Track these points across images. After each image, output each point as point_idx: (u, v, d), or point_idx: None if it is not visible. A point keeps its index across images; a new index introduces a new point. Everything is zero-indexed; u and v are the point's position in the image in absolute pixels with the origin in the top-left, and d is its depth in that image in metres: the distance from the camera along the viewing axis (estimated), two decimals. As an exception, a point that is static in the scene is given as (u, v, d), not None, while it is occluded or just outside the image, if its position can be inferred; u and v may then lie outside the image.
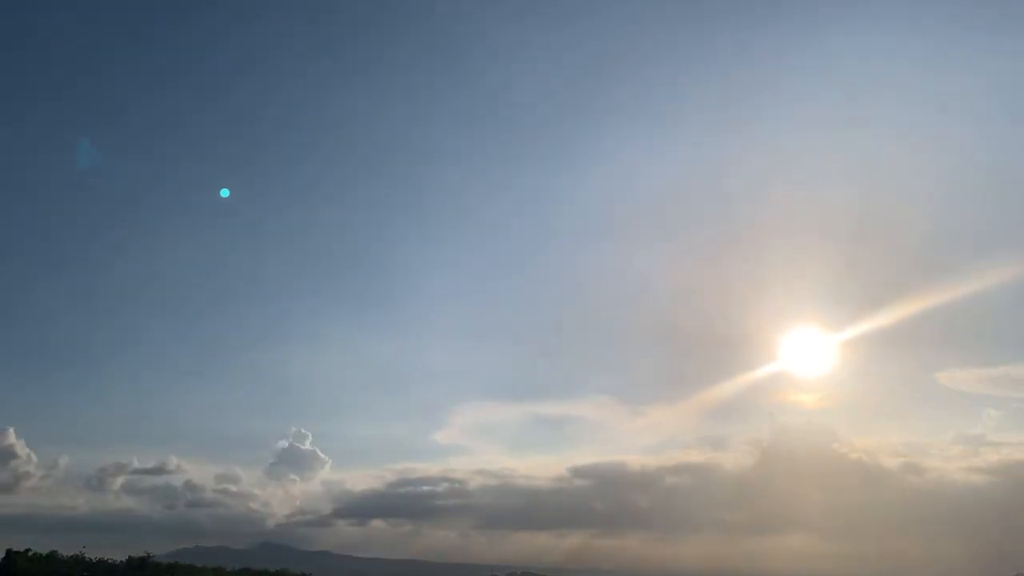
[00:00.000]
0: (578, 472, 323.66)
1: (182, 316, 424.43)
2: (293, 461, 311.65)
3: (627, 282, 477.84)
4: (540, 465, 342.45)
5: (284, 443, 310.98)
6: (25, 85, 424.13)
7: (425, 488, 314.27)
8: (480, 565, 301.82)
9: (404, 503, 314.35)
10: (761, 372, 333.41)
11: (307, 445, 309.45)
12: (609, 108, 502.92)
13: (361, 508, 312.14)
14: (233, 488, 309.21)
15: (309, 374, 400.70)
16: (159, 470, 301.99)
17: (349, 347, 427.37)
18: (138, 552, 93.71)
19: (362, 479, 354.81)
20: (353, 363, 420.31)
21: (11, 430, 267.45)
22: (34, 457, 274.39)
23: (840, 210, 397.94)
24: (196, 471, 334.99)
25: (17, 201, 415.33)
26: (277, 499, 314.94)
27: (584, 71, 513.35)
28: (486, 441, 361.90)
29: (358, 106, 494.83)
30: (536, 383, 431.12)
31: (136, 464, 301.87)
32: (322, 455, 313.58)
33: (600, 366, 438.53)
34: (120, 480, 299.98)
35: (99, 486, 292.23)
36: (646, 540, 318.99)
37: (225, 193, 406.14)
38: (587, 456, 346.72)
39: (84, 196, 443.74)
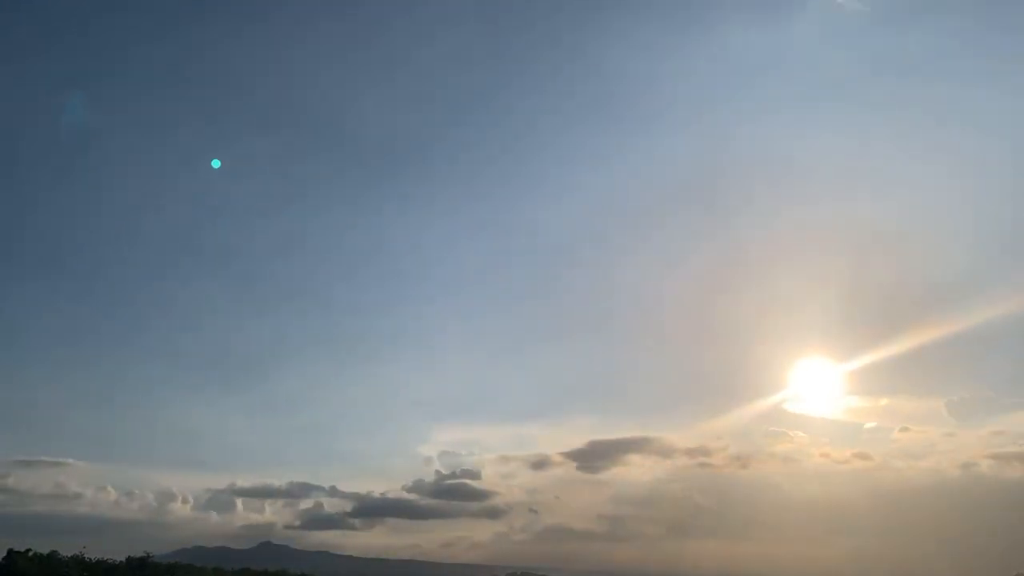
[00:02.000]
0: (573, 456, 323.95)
1: (185, 327, 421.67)
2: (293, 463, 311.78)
3: (620, 303, 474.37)
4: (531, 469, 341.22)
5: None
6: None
7: (423, 490, 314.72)
8: (480, 565, 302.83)
9: (403, 504, 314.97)
10: (762, 402, 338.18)
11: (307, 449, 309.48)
12: (602, 118, 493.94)
13: (361, 509, 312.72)
14: (233, 491, 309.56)
15: (307, 383, 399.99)
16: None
17: (345, 360, 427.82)
18: (138, 552, 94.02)
19: (360, 482, 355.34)
20: (350, 375, 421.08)
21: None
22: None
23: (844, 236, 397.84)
24: (200, 477, 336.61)
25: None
26: (278, 501, 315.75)
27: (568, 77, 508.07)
28: (470, 453, 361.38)
29: (355, 107, 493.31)
30: (525, 404, 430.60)
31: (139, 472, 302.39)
32: (321, 459, 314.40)
33: (589, 390, 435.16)
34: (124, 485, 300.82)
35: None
36: (644, 542, 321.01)
37: (216, 164, 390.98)
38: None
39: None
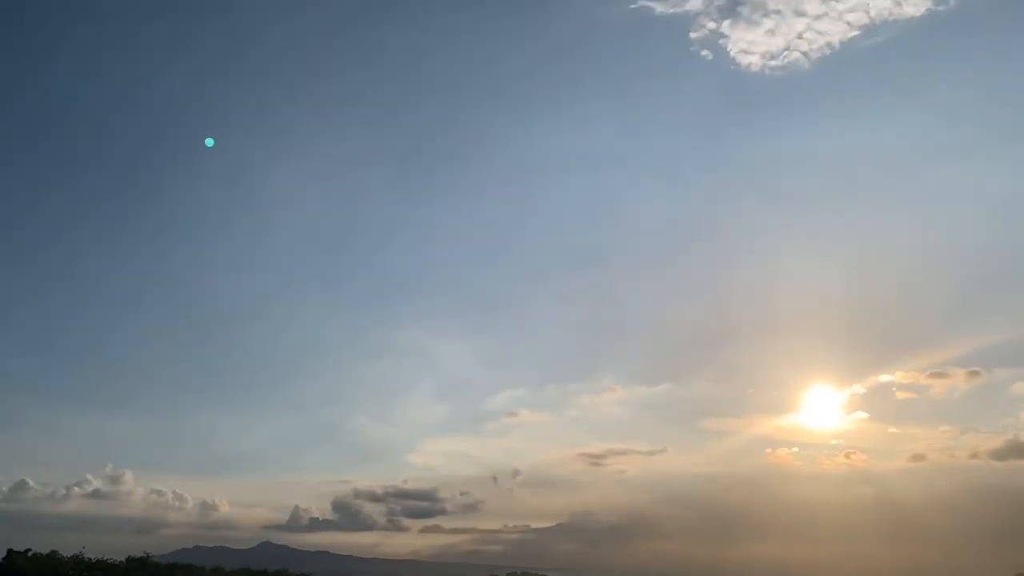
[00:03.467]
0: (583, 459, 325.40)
1: (190, 335, 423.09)
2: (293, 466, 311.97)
3: (628, 309, 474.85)
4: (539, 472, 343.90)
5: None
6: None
7: (422, 491, 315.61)
8: (480, 565, 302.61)
9: (403, 505, 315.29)
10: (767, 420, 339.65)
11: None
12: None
13: (361, 510, 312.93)
14: (234, 492, 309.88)
15: (306, 394, 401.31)
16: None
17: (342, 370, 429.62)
18: (138, 552, 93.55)
19: (360, 483, 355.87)
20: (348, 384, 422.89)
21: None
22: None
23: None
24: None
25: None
26: (278, 502, 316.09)
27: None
28: (460, 463, 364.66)
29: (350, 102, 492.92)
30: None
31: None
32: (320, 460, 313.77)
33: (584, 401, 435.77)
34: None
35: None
36: (643, 543, 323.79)
37: (210, 143, 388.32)
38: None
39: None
